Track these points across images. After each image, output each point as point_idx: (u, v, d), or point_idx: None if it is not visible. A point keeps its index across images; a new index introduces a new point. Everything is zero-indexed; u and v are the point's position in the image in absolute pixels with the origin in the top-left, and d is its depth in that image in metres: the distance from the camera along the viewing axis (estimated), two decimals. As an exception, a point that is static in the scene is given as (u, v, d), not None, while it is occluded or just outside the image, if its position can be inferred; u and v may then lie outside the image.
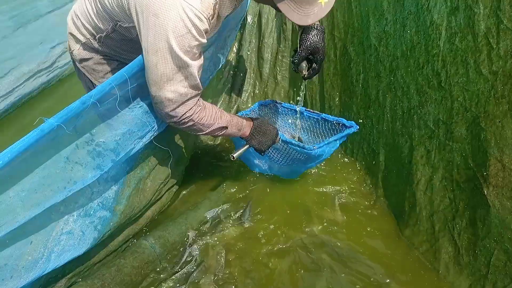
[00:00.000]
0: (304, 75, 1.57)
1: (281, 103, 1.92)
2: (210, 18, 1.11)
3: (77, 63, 1.48)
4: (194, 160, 2.00)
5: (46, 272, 1.02)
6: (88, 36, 1.37)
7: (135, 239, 1.54)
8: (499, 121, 1.29)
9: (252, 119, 1.57)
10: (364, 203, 1.83)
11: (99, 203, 1.20)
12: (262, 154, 1.60)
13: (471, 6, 1.27)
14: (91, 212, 1.17)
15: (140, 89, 1.21)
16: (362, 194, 1.88)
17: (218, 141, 2.26)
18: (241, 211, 1.74)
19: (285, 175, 1.92)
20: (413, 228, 1.61)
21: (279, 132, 1.63)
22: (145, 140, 1.25)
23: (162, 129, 1.34)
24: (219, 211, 1.74)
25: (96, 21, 1.31)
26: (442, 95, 1.48)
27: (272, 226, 1.70)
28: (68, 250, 1.08)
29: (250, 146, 1.58)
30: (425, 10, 1.45)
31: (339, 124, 1.77)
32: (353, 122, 1.73)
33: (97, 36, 1.34)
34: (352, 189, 1.91)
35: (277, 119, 2.00)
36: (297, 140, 1.76)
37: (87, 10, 1.32)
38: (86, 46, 1.40)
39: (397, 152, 1.75)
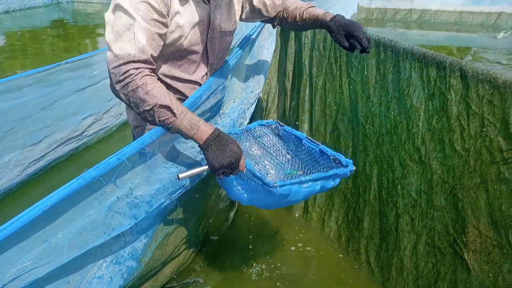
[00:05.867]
0: (359, 48, 1.48)
1: (283, 126, 1.72)
2: None
3: (133, 131, 1.63)
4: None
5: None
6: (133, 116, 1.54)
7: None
8: (473, 192, 1.47)
9: (216, 128, 1.27)
10: (348, 270, 1.93)
11: (129, 253, 1.27)
12: (217, 174, 1.27)
13: (444, 93, 1.51)
14: (121, 261, 1.23)
15: (176, 151, 1.35)
16: (345, 260, 1.98)
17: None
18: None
19: (265, 206, 1.58)
20: (401, 292, 1.70)
21: (248, 161, 1.34)
22: (174, 196, 1.35)
23: (190, 187, 1.45)
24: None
25: None
26: (422, 168, 1.67)
27: None
28: None
29: (204, 169, 1.27)
30: (405, 95, 1.70)
31: (336, 160, 1.53)
32: (351, 161, 1.48)
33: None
34: (335, 256, 2.01)
35: (274, 141, 1.76)
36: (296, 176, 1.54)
37: None
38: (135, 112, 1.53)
39: (382, 220, 1.89)
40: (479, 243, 1.45)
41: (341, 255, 2.04)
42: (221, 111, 1.68)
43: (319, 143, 1.59)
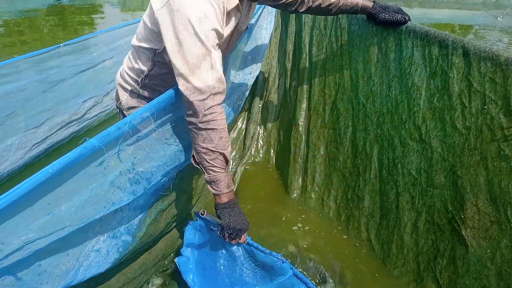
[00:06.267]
0: (398, 18, 1.68)
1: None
2: (222, 8, 1.25)
3: (124, 112, 1.63)
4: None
5: (72, 284, 1.08)
6: (133, 84, 1.54)
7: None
8: (473, 170, 1.48)
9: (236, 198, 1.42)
10: (349, 247, 1.96)
11: (125, 228, 1.30)
12: (222, 233, 1.37)
13: (446, 71, 1.51)
14: (118, 235, 1.27)
15: (177, 127, 1.35)
16: (345, 239, 2.01)
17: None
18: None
19: None
20: (401, 268, 1.73)
21: (249, 237, 1.45)
22: (172, 174, 1.38)
23: (186, 165, 1.47)
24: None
25: (137, 65, 1.48)
26: (423, 147, 1.68)
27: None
28: (94, 266, 1.16)
29: (220, 222, 1.36)
30: (407, 74, 1.70)
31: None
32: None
33: (140, 80, 1.50)
34: (335, 234, 2.04)
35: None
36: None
37: (129, 59, 1.51)
38: (133, 94, 1.56)
39: (383, 198, 1.91)
40: (477, 220, 1.48)
41: (341, 234, 2.07)
42: None
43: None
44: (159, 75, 1.48)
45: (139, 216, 1.37)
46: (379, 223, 1.92)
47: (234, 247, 1.47)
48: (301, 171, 2.37)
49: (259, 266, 1.46)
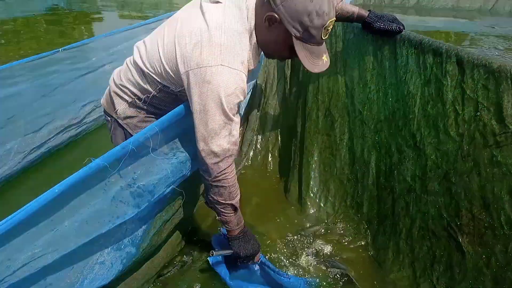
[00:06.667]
0: (393, 28, 1.70)
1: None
2: (246, 75, 1.29)
3: (120, 121, 1.57)
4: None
5: (77, 297, 1.10)
6: (134, 97, 1.49)
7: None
8: (466, 176, 1.50)
9: (245, 225, 1.61)
10: (348, 252, 1.97)
11: (129, 240, 1.32)
12: (238, 261, 1.62)
13: (440, 79, 1.54)
14: (122, 247, 1.28)
15: (176, 142, 1.38)
16: (343, 245, 2.02)
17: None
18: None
19: None
20: (397, 274, 1.74)
21: (262, 255, 1.69)
22: (175, 185, 1.40)
23: (189, 173, 1.49)
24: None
25: (142, 85, 1.44)
26: (417, 154, 1.70)
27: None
28: (98, 279, 1.18)
29: (232, 252, 1.58)
30: (403, 82, 1.72)
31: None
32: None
33: (143, 97, 1.47)
34: (333, 240, 2.05)
35: None
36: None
37: (133, 76, 1.45)
38: (132, 105, 1.51)
39: (380, 204, 1.93)
40: (472, 226, 1.49)
41: (340, 238, 2.07)
42: None
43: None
44: (166, 98, 1.47)
45: (144, 227, 1.38)
46: (377, 229, 1.94)
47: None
48: (297, 177, 2.39)
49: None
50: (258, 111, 2.69)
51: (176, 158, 1.37)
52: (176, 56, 1.26)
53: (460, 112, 1.48)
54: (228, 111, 1.25)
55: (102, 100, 1.64)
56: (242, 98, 1.29)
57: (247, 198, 2.38)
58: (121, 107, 1.54)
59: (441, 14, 9.04)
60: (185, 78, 1.25)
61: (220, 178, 1.37)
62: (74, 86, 2.78)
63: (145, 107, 1.52)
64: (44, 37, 6.65)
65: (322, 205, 2.24)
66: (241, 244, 1.57)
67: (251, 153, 2.72)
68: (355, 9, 1.76)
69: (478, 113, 1.42)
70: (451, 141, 1.54)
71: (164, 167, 1.32)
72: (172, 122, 1.30)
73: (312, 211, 2.27)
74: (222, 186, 1.40)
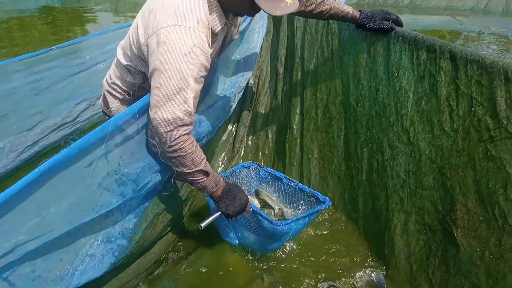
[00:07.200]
0: (385, 26, 1.73)
1: (263, 167, 1.97)
2: (208, 37, 1.27)
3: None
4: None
5: (67, 288, 1.09)
6: (124, 94, 1.55)
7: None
8: (461, 171, 1.52)
9: (226, 182, 1.54)
10: (348, 249, 1.97)
11: (120, 232, 1.31)
12: (229, 219, 1.57)
13: (434, 75, 1.55)
14: (112, 239, 1.27)
15: None
16: (344, 242, 2.02)
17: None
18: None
19: (256, 249, 1.89)
20: (394, 269, 1.75)
21: (251, 202, 1.63)
22: (162, 175, 1.39)
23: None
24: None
25: (128, 79, 1.49)
26: (411, 149, 1.71)
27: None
28: (89, 271, 1.17)
29: (219, 215, 1.54)
30: (395, 78, 1.73)
31: (314, 197, 1.83)
32: (327, 198, 1.75)
33: (131, 92, 1.51)
34: (335, 238, 2.06)
35: (256, 182, 2.09)
36: (278, 210, 1.83)
37: (120, 73, 1.52)
38: (124, 101, 1.56)
39: (374, 201, 1.93)
40: (467, 220, 1.50)
41: (339, 235, 2.07)
42: (212, 91, 1.70)
43: (297, 182, 1.81)
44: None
45: (134, 220, 1.37)
46: (373, 225, 1.95)
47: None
48: (297, 174, 2.40)
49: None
50: (249, 107, 2.69)
51: None
52: (139, 34, 1.29)
53: (455, 108, 1.49)
54: (186, 72, 1.19)
55: (99, 101, 1.69)
56: (203, 60, 1.23)
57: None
58: (115, 105, 1.60)
59: (434, 12, 9.09)
60: (145, 49, 1.25)
61: (175, 147, 1.26)
62: (67, 84, 2.75)
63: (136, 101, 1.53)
64: (38, 36, 6.61)
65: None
66: (228, 203, 1.49)
67: (242, 151, 2.71)
68: (350, 10, 1.78)
69: (472, 109, 1.44)
70: (446, 136, 1.55)
71: (150, 153, 1.31)
72: None
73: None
74: (181, 156, 1.28)
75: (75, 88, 2.86)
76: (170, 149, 1.26)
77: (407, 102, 1.70)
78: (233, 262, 1.88)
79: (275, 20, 2.50)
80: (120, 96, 1.57)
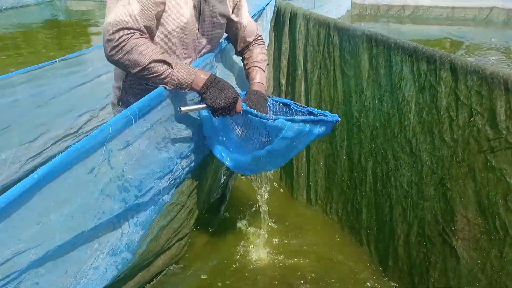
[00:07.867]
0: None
1: (272, 97, 1.83)
2: None
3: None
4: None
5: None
6: (118, 93, 1.63)
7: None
8: (462, 182, 1.51)
9: (213, 74, 1.39)
10: (350, 260, 1.96)
11: (126, 245, 1.29)
12: (216, 115, 1.40)
13: (434, 85, 1.55)
14: (117, 252, 1.26)
15: (168, 131, 1.40)
16: (346, 252, 2.02)
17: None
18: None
19: (248, 163, 1.62)
20: (398, 281, 1.75)
21: (243, 103, 1.47)
22: (164, 182, 1.39)
23: (183, 175, 1.49)
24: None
25: (119, 73, 1.59)
26: (413, 160, 1.71)
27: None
28: (91, 284, 1.15)
29: (204, 107, 1.38)
30: (398, 89, 1.74)
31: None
32: (336, 115, 1.54)
33: (121, 87, 1.59)
34: (337, 247, 2.05)
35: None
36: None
37: (115, 73, 1.62)
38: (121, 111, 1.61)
39: (378, 211, 1.93)
40: (467, 231, 1.50)
41: (344, 246, 2.08)
42: None
43: (306, 106, 1.65)
44: (133, 90, 1.57)
45: (141, 233, 1.36)
46: (377, 235, 1.94)
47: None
48: (304, 185, 2.43)
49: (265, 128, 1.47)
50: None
51: (166, 151, 1.37)
52: None
53: (455, 118, 1.50)
54: None
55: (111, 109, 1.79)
56: None
57: (243, 209, 2.37)
58: (116, 110, 1.73)
59: (436, 23, 9.15)
60: None
61: (121, 44, 1.20)
62: (70, 96, 2.78)
63: (128, 98, 1.59)
64: (43, 48, 6.68)
65: (328, 211, 2.30)
66: (214, 94, 1.33)
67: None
68: (255, 78, 1.72)
69: (472, 119, 1.44)
70: (446, 146, 1.55)
71: (155, 160, 1.32)
72: (156, 102, 1.29)
73: (319, 217, 2.33)
74: (127, 52, 1.21)
75: (78, 100, 2.89)
76: (115, 50, 1.21)
77: (410, 113, 1.70)
78: (235, 273, 1.87)
79: (276, 32, 2.53)
80: (116, 100, 1.67)
